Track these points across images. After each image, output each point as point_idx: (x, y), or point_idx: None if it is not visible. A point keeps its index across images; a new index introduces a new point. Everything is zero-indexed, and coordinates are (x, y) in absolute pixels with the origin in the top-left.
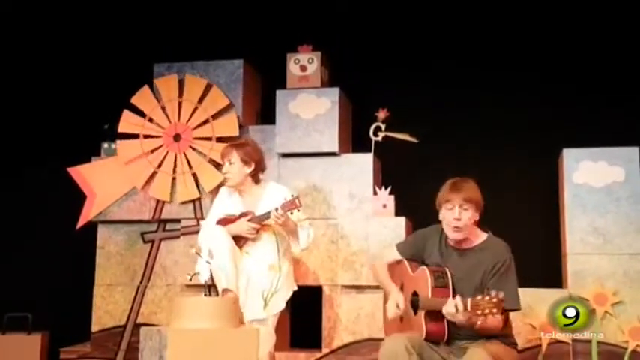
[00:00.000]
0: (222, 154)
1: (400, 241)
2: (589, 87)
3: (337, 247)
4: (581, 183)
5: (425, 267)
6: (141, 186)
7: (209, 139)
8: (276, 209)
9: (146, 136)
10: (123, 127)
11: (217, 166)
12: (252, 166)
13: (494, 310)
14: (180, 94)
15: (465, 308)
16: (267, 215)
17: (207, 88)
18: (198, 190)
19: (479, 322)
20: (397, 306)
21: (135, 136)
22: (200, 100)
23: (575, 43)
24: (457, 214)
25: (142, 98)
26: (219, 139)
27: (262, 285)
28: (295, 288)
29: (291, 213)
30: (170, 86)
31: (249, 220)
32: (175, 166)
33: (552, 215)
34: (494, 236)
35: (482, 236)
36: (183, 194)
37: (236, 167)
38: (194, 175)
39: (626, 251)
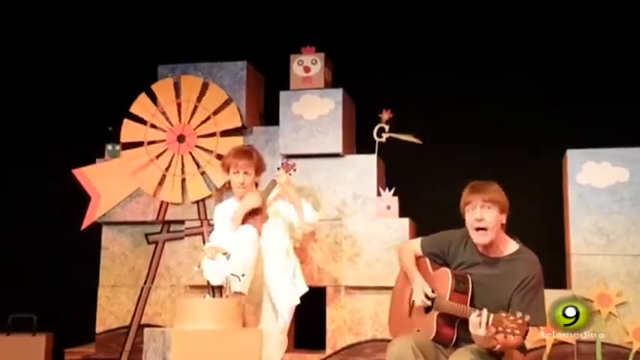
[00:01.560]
0: (234, 165)
1: (425, 236)
2: (592, 87)
3: (341, 247)
4: (585, 184)
5: (447, 269)
6: (138, 177)
7: (210, 151)
8: (277, 176)
9: (150, 142)
10: (125, 137)
11: (209, 180)
12: (260, 174)
13: (517, 332)
14: (178, 95)
15: (487, 323)
16: (272, 183)
17: (205, 87)
18: (182, 197)
19: (497, 347)
20: (426, 296)
21: (139, 144)
22: (199, 99)
23: (576, 44)
24: (479, 214)
25: (140, 106)
26: (220, 157)
27: (286, 273)
28: None
29: (290, 174)
30: (167, 90)
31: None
32: (169, 165)
33: (556, 216)
34: (525, 247)
35: (513, 246)
36: (166, 194)
37: (251, 177)
38: (183, 181)
39: (630, 252)
